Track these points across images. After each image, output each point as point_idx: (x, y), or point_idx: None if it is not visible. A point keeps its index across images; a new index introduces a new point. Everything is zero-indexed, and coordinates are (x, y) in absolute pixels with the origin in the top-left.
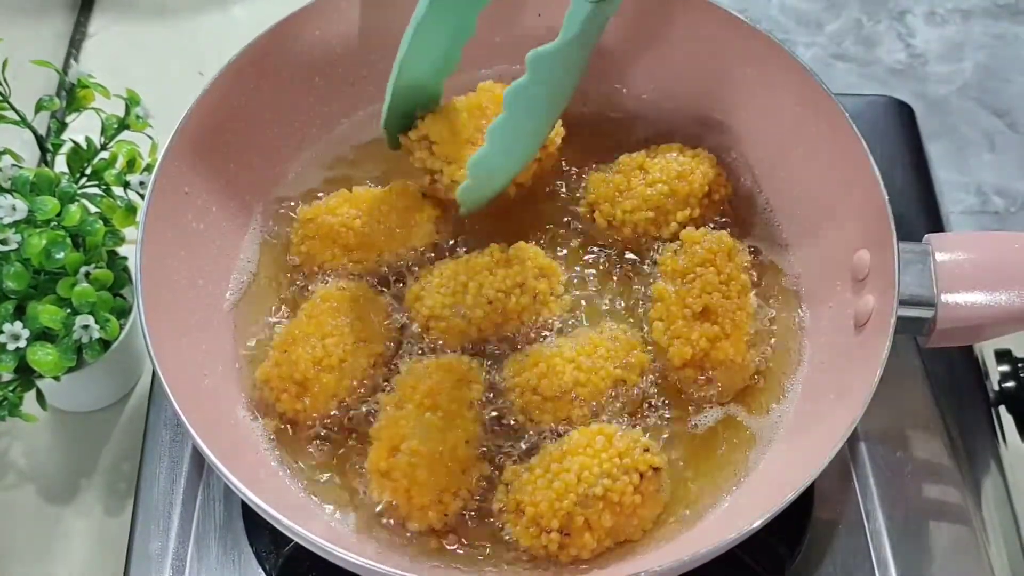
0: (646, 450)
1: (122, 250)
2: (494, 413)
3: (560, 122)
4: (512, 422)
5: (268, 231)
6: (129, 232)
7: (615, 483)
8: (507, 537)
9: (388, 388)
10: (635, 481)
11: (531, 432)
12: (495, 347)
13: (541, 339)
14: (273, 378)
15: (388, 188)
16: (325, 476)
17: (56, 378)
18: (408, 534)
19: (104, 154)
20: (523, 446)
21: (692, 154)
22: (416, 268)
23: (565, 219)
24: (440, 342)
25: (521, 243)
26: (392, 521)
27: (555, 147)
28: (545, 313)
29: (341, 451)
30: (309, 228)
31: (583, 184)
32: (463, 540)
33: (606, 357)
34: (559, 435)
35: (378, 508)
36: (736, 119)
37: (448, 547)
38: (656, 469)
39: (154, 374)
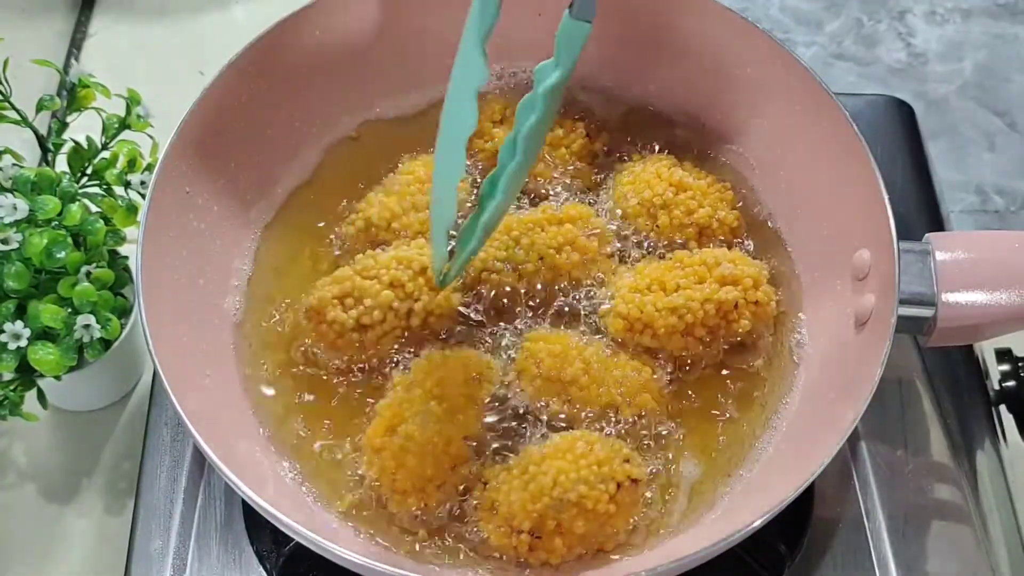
0: (626, 461)
1: (123, 249)
2: (500, 416)
3: None
4: (517, 420)
5: (269, 229)
6: (130, 232)
7: (590, 490)
8: (471, 535)
9: (405, 369)
10: (611, 490)
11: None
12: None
13: (591, 301)
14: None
15: None
16: (327, 475)
17: (57, 377)
18: (411, 537)
19: (105, 154)
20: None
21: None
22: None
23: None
24: (492, 293)
25: (574, 203)
26: (376, 499)
27: None
28: (595, 271)
29: (345, 452)
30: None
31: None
32: (463, 540)
33: (619, 380)
34: (539, 426)
35: (361, 479)
36: (736, 119)
37: (449, 547)
38: (635, 480)
39: (155, 373)
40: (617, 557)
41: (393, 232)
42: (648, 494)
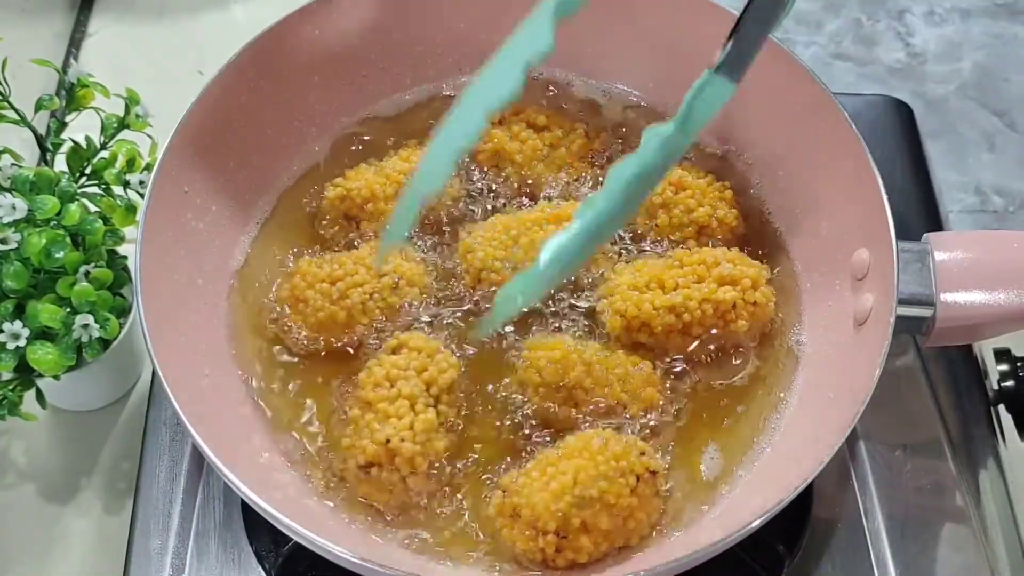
0: (642, 454)
1: (122, 249)
2: (509, 427)
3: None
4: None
5: (268, 229)
6: (129, 231)
7: (611, 485)
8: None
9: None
10: (631, 483)
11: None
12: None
13: (590, 299)
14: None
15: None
16: (326, 475)
17: (56, 377)
18: (408, 539)
19: (104, 153)
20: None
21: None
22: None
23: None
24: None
25: (571, 200)
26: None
27: None
28: (593, 268)
29: (342, 450)
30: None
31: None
32: (466, 540)
33: (620, 378)
34: (549, 431)
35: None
36: (735, 119)
37: (454, 549)
38: (653, 472)
39: (154, 373)
40: (618, 556)
41: (366, 213)
42: (667, 485)
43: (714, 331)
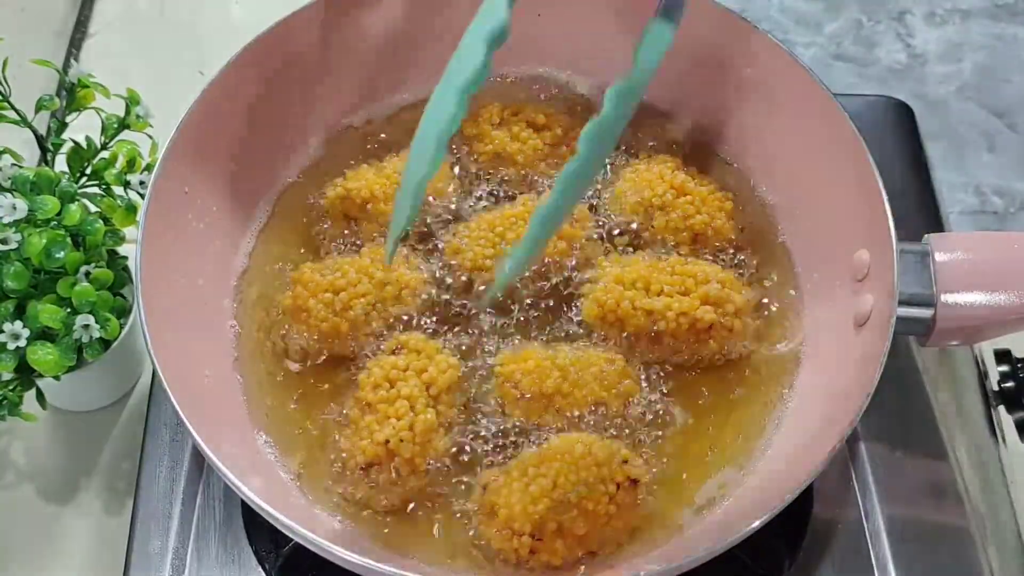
0: (625, 461)
1: (122, 249)
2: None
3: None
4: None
5: (268, 230)
6: (129, 231)
7: (591, 492)
8: (475, 540)
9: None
10: (611, 491)
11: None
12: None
13: (583, 282)
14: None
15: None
16: (326, 475)
17: (56, 377)
18: (407, 539)
19: (104, 154)
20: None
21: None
22: (451, 223)
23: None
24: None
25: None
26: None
27: None
28: (581, 256)
29: (341, 450)
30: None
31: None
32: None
33: (596, 376)
34: (536, 433)
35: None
36: (735, 119)
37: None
38: (634, 481)
39: (154, 373)
40: (617, 558)
41: (366, 213)
42: (647, 493)
43: (684, 345)
